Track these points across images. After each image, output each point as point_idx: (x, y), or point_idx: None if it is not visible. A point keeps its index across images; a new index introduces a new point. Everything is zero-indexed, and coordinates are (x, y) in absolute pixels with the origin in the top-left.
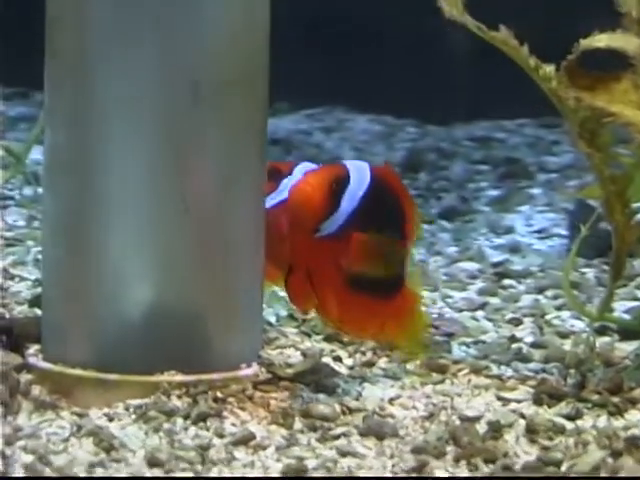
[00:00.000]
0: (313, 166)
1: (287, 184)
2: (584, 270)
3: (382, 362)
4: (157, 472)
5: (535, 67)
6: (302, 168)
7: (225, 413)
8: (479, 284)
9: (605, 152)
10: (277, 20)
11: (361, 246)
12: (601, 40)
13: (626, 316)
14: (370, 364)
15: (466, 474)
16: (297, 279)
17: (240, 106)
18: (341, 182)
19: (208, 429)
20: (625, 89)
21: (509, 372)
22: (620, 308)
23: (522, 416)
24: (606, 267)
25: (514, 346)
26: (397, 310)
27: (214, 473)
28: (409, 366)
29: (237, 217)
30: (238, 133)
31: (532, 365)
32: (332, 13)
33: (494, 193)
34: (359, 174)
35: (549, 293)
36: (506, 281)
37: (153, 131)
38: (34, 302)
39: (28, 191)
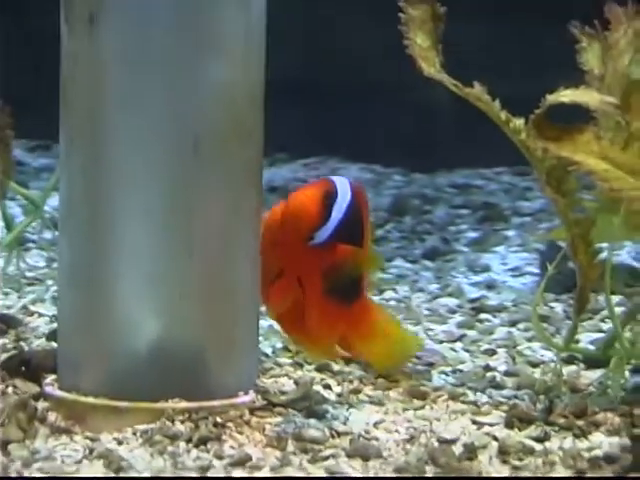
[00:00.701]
0: None
1: None
2: (553, 305)
3: (368, 390)
4: None
5: (506, 120)
6: None
7: (224, 437)
8: (458, 318)
9: (570, 197)
10: (276, 77)
11: (346, 257)
12: (566, 95)
13: (591, 347)
14: (357, 391)
15: None
16: (286, 284)
17: (238, 157)
18: (331, 195)
19: (208, 451)
20: (588, 140)
21: (484, 398)
22: (586, 339)
23: (495, 438)
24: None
25: (489, 375)
26: (357, 317)
27: None
28: (392, 393)
29: (236, 259)
30: (236, 182)
31: (505, 392)
32: (328, 71)
33: (473, 235)
34: (343, 188)
35: (521, 326)
36: (482, 315)
37: (159, 182)
38: (51, 336)
39: (47, 235)
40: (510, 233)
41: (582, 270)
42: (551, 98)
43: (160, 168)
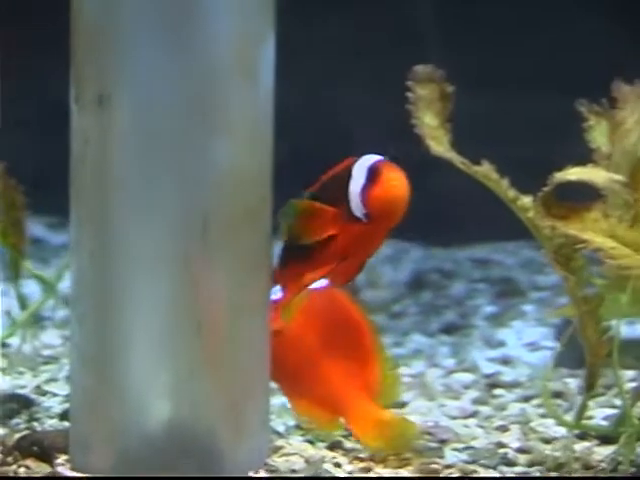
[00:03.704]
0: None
1: None
2: (568, 380)
3: (378, 468)
4: None
5: (514, 198)
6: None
7: None
8: (472, 394)
9: (579, 275)
10: (282, 155)
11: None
12: (573, 173)
13: (604, 422)
14: (367, 470)
15: None
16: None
17: (247, 237)
18: None
19: None
20: (595, 218)
21: (496, 475)
22: (600, 415)
23: None
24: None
25: (501, 451)
26: None
27: None
28: (403, 471)
29: (245, 336)
30: (245, 262)
31: (517, 469)
32: (340, 147)
33: (490, 309)
34: None
35: (535, 402)
36: (497, 391)
37: (168, 263)
38: (64, 416)
39: (62, 313)
40: (527, 307)
41: (591, 347)
42: (559, 176)
43: (169, 249)
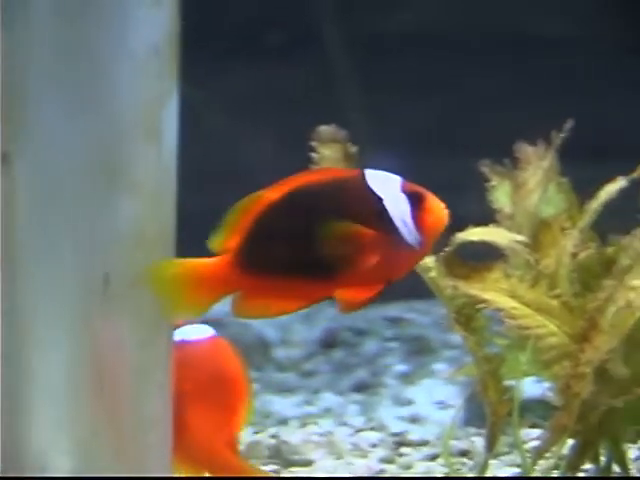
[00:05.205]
0: None
1: None
2: (474, 439)
3: None
4: None
5: None
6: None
7: None
8: (380, 452)
9: (480, 335)
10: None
11: None
12: (475, 234)
13: None
14: None
15: None
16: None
17: (148, 295)
18: None
19: None
20: (497, 278)
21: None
22: (505, 474)
23: None
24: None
25: None
26: None
27: None
28: None
29: (148, 395)
30: (147, 319)
31: None
32: None
33: (401, 368)
34: None
35: (440, 460)
36: (404, 449)
37: (68, 320)
38: None
39: None
40: (438, 366)
41: (492, 407)
42: (460, 236)
43: (70, 306)
